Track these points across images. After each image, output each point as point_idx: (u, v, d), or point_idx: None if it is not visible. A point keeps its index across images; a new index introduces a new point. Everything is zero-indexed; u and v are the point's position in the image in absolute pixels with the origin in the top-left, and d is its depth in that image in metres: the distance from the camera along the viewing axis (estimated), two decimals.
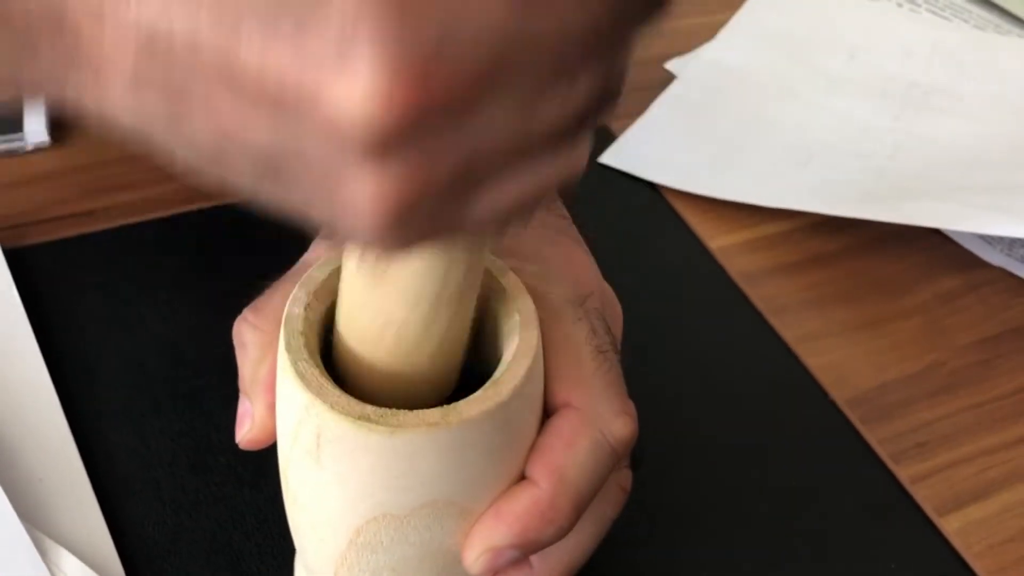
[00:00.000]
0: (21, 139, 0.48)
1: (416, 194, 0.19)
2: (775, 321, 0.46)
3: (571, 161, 0.21)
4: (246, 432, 0.30)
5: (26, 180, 0.47)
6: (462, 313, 0.26)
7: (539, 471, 0.28)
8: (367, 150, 0.18)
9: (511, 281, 0.28)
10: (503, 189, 0.21)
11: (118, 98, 0.20)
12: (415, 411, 0.25)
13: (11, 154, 0.48)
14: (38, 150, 0.48)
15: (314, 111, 0.18)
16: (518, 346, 0.27)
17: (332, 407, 0.25)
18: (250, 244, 0.41)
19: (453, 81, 0.18)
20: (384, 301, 0.26)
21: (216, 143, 0.20)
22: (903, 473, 0.41)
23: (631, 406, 0.30)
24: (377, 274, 0.25)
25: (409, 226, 0.20)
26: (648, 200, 0.52)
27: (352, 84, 0.17)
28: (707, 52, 0.60)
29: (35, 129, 0.48)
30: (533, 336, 0.28)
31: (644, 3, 0.19)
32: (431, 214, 0.20)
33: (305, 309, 0.27)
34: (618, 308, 0.33)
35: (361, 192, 0.19)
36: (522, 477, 0.28)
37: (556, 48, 0.19)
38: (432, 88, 0.18)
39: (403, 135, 0.18)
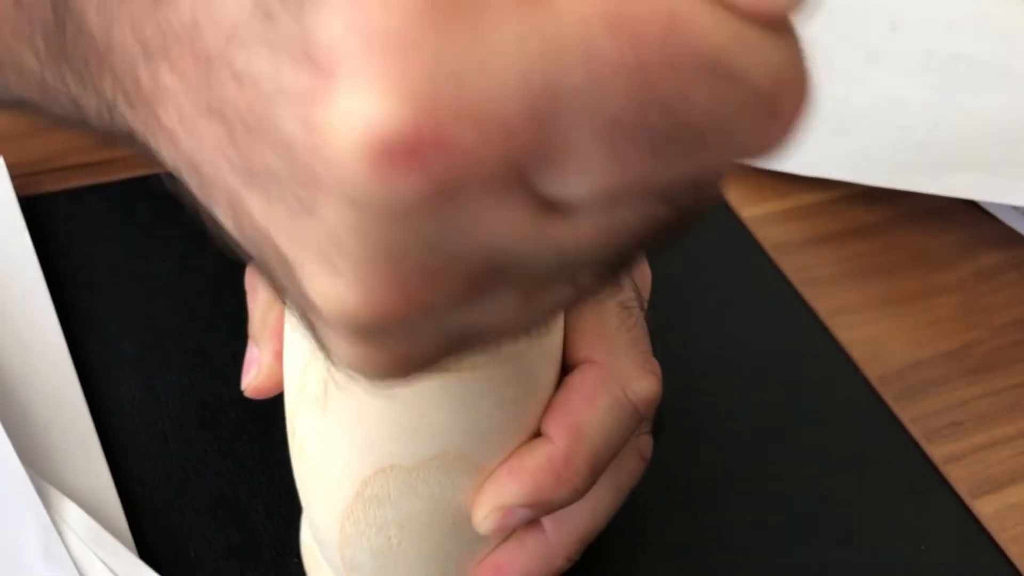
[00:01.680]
0: None
1: (403, 363, 0.19)
2: (807, 293, 0.45)
3: (590, 289, 0.20)
4: (252, 378, 0.29)
5: (42, 127, 0.46)
6: None
7: (555, 427, 0.27)
8: (348, 336, 0.18)
9: None
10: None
11: (173, 163, 0.19)
12: None
13: None
14: None
15: (298, 281, 0.17)
16: None
17: None
18: None
19: (438, 296, 0.17)
20: None
21: (237, 244, 0.19)
22: (936, 453, 0.40)
23: (655, 365, 0.28)
24: None
25: (405, 370, 0.19)
26: None
27: (332, 289, 0.17)
28: None
29: None
30: None
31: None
32: (427, 360, 0.19)
33: None
34: (646, 268, 0.32)
35: (350, 356, 0.18)
36: (538, 434, 0.27)
37: (572, 262, 0.17)
38: (408, 302, 0.17)
39: (382, 329, 0.17)
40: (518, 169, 0.15)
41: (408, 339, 0.18)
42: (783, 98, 0.16)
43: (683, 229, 0.18)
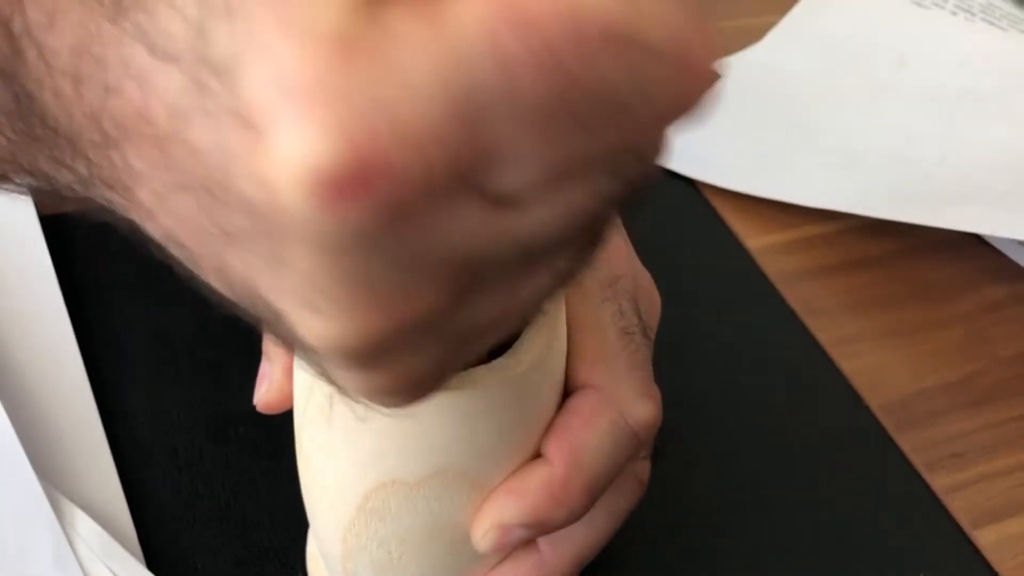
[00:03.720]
0: None
1: (406, 383, 0.19)
2: (811, 323, 0.45)
3: (568, 272, 0.21)
4: (263, 394, 0.29)
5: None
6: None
7: (554, 449, 0.27)
8: (350, 367, 0.18)
9: None
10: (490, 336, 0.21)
11: (159, 237, 0.20)
12: None
13: None
14: None
15: (290, 329, 0.18)
16: (541, 320, 0.27)
17: None
18: None
19: (418, 309, 0.17)
20: None
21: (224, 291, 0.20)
22: (937, 483, 0.40)
23: (655, 390, 0.29)
24: None
25: (400, 395, 0.20)
26: (687, 197, 0.51)
27: (314, 327, 0.17)
28: (754, 54, 0.59)
29: None
30: (557, 311, 0.27)
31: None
32: (426, 384, 0.20)
33: None
34: (655, 296, 0.32)
35: (359, 385, 0.19)
36: (538, 456, 0.28)
37: (537, 251, 0.18)
38: (390, 321, 0.17)
39: (378, 353, 0.18)
40: (460, 175, 0.16)
41: (408, 357, 0.19)
42: (690, 53, 0.16)
43: (636, 196, 0.19)
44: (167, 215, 0.19)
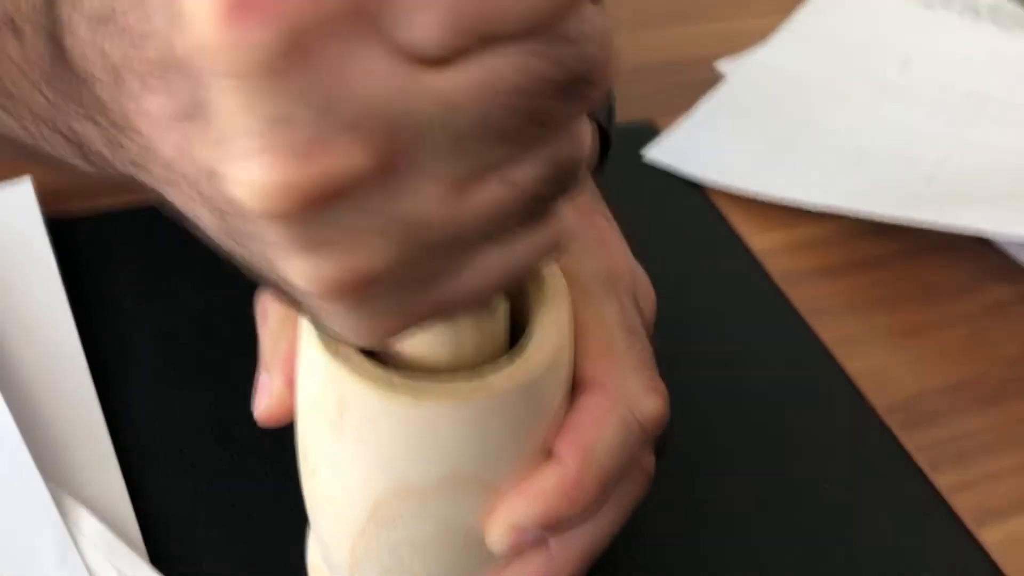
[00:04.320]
0: None
1: (359, 277, 0.19)
2: (815, 323, 0.45)
3: (544, 238, 0.21)
4: (264, 406, 0.29)
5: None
6: (490, 331, 0.26)
7: (566, 449, 0.27)
8: (278, 234, 0.19)
9: None
10: (472, 270, 0.21)
11: (164, 181, 0.21)
12: (441, 381, 0.25)
13: None
14: None
15: (231, 200, 0.19)
16: (548, 322, 0.26)
17: (357, 374, 0.25)
18: None
19: (341, 164, 0.18)
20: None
21: (213, 234, 0.21)
22: (941, 482, 0.40)
23: (661, 385, 0.29)
24: None
25: (372, 315, 0.21)
26: (691, 197, 0.51)
27: (244, 174, 0.18)
28: (759, 55, 0.59)
29: None
30: (564, 312, 0.27)
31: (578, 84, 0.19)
32: (393, 300, 0.21)
33: None
34: (651, 292, 0.33)
35: (298, 274, 0.20)
36: (549, 455, 0.27)
37: (466, 127, 0.18)
38: (316, 173, 0.18)
39: (304, 216, 0.18)
40: (363, 11, 0.17)
41: (351, 239, 0.19)
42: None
43: (578, 95, 0.19)
44: (161, 136, 0.20)
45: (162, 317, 0.41)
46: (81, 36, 0.21)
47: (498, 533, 0.27)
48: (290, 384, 0.29)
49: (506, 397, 0.25)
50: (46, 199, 0.43)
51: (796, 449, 0.41)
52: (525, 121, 0.19)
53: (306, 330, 0.26)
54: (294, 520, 0.35)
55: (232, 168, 0.18)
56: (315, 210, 0.18)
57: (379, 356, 0.26)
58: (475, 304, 0.23)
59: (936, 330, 0.46)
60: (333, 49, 0.17)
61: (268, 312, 0.30)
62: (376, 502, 0.26)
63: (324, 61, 0.17)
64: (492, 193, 0.20)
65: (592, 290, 0.29)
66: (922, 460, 0.41)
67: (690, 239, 0.49)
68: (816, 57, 0.60)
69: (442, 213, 0.19)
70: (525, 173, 0.20)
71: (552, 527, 0.27)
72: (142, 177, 0.22)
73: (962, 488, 0.40)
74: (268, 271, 0.21)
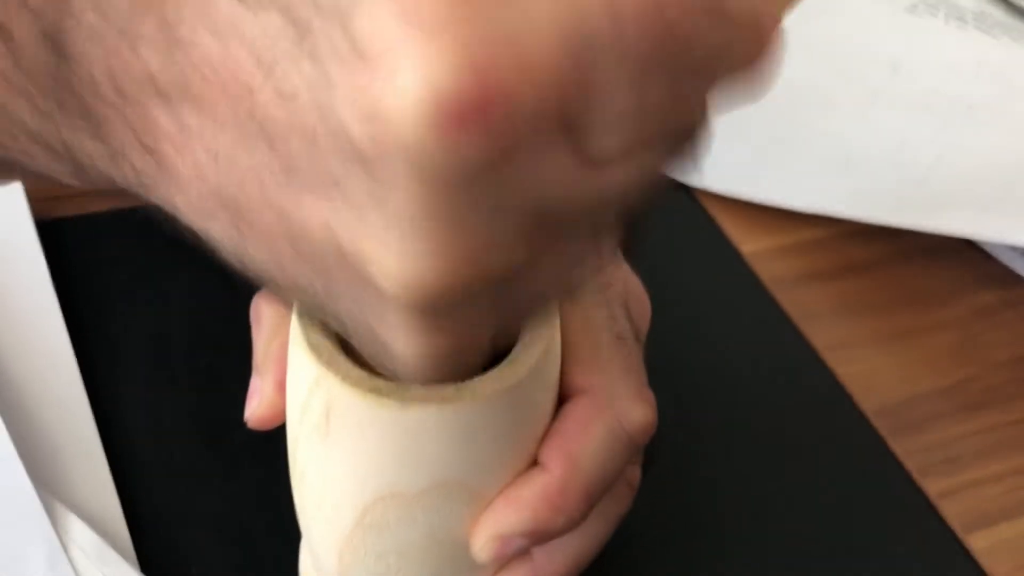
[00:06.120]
0: None
1: (463, 349, 0.20)
2: (805, 328, 0.45)
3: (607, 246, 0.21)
4: (254, 409, 0.29)
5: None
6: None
7: (552, 456, 0.27)
8: (402, 317, 0.19)
9: None
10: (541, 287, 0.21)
11: (193, 208, 0.20)
12: (428, 386, 0.25)
13: None
14: None
15: (363, 275, 0.18)
16: (536, 327, 0.27)
17: (343, 379, 0.25)
18: None
19: (500, 263, 0.18)
20: None
21: (273, 269, 0.20)
22: (930, 487, 0.40)
23: (650, 394, 0.29)
24: None
25: (449, 364, 0.21)
26: (681, 201, 0.51)
27: (395, 263, 0.17)
28: None
29: None
30: (552, 318, 0.27)
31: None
32: (478, 341, 0.21)
33: None
34: (645, 300, 0.33)
35: (405, 348, 0.20)
36: (535, 463, 0.28)
37: (608, 214, 0.19)
38: (473, 273, 0.18)
39: (438, 307, 0.18)
40: (565, 119, 0.17)
41: (471, 317, 0.19)
42: (760, 20, 0.18)
43: (666, 180, 0.20)
44: (224, 171, 0.19)
45: (153, 320, 0.41)
46: (105, 47, 0.19)
47: (482, 541, 0.27)
48: (280, 387, 0.29)
49: (492, 401, 0.25)
50: (36, 202, 0.43)
51: (785, 454, 0.41)
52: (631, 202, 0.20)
53: (294, 334, 0.26)
54: (286, 526, 0.35)
55: (379, 250, 0.17)
56: (455, 302, 0.18)
57: (366, 361, 0.26)
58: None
59: (926, 334, 0.46)
60: (532, 154, 0.17)
61: (262, 315, 0.30)
62: (364, 508, 0.26)
63: (515, 168, 0.17)
64: (580, 251, 0.20)
65: (580, 297, 0.30)
66: (911, 465, 0.41)
67: (680, 244, 0.49)
68: (805, 62, 0.60)
69: (548, 281, 0.20)
70: (610, 234, 0.21)
71: (537, 536, 0.27)
72: (151, 197, 0.21)
73: (951, 493, 0.40)
74: (361, 328, 0.21)
